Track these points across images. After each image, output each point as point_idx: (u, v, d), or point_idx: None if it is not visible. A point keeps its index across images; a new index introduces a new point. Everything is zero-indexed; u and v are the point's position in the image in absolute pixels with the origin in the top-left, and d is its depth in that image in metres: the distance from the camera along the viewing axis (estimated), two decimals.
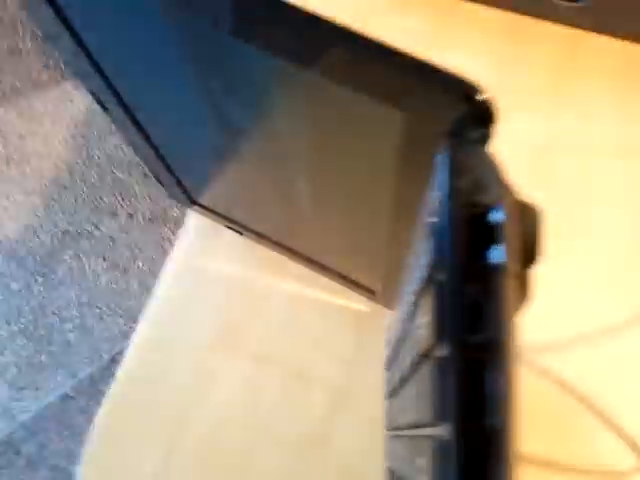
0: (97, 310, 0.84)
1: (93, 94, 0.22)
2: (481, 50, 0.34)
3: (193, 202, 0.31)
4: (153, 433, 0.31)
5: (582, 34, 0.34)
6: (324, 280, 0.30)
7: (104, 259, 0.85)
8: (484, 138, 0.12)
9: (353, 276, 0.29)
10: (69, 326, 0.84)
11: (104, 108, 0.23)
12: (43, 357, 0.84)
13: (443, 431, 0.11)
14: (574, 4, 0.32)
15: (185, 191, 0.29)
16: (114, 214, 0.87)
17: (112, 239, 0.86)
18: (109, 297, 0.84)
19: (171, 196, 0.31)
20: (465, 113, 0.12)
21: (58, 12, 0.18)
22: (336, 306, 0.31)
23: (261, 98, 0.17)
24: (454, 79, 0.12)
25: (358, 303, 0.30)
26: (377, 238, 0.22)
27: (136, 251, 0.86)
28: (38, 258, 0.87)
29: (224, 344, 0.31)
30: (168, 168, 0.27)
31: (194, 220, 0.33)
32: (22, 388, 0.83)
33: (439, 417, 0.11)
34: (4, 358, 0.84)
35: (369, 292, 0.29)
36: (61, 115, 0.95)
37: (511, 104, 0.33)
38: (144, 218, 0.86)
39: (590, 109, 0.33)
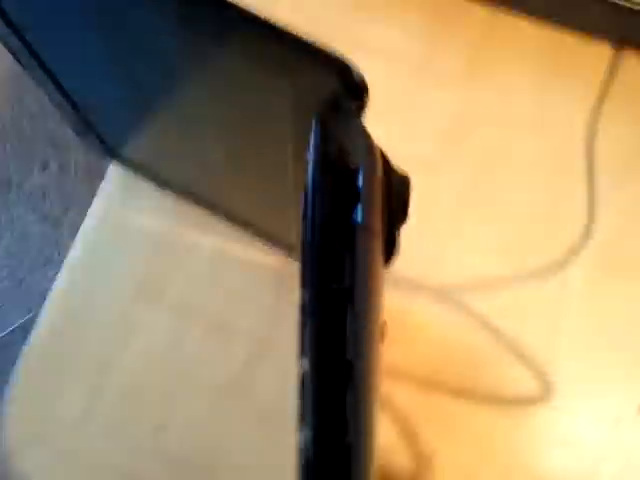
0: (27, 261, 0.82)
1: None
2: (404, 24, 0.35)
3: (113, 154, 0.31)
4: (75, 378, 0.32)
5: (502, 14, 0.35)
6: (246, 236, 0.32)
7: (34, 210, 0.83)
8: (357, 110, 0.14)
9: (273, 233, 0.31)
10: None
11: (14, 56, 0.23)
12: None
13: (305, 366, 0.12)
14: None
15: (104, 143, 0.30)
16: (45, 165, 0.84)
17: (43, 190, 0.84)
18: (40, 249, 0.83)
19: (89, 147, 0.31)
20: (338, 87, 0.13)
21: None
22: (257, 261, 0.32)
23: (165, 59, 0.18)
24: (330, 56, 0.13)
25: (279, 259, 0.32)
26: (287, 197, 0.23)
27: (68, 203, 0.84)
28: None
29: (145, 296, 0.32)
30: (84, 119, 0.27)
31: (116, 173, 0.33)
32: None
33: (302, 354, 0.13)
34: None
35: (288, 248, 0.31)
36: None
37: (433, 78, 0.35)
38: (76, 170, 0.84)
39: (508, 86, 0.35)
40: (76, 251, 0.33)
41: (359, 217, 0.13)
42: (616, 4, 0.32)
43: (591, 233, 0.32)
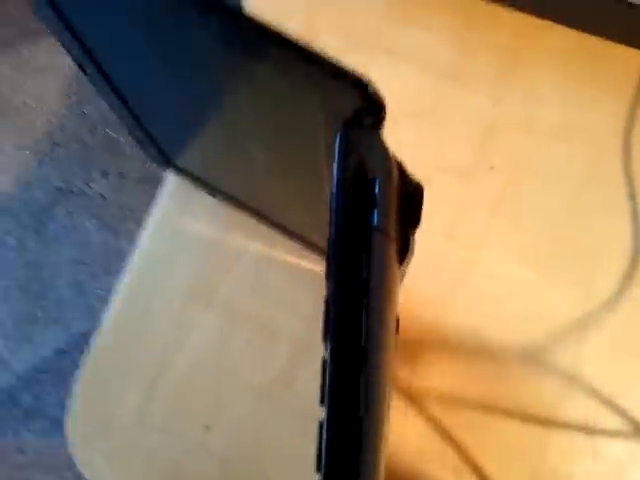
0: (89, 268, 0.89)
1: (68, 51, 0.25)
2: (436, 28, 0.37)
3: (169, 163, 0.35)
4: (133, 378, 0.35)
5: (532, 20, 0.37)
6: (289, 242, 0.34)
7: (95, 217, 0.90)
8: (376, 124, 0.16)
9: (313, 240, 0.33)
10: (62, 282, 0.89)
11: (82, 69, 0.26)
12: (38, 312, 0.89)
13: (326, 354, 0.15)
14: None
15: (161, 152, 0.33)
16: (105, 173, 0.91)
17: (103, 198, 0.90)
18: (100, 255, 0.89)
19: (148, 156, 0.34)
20: (359, 104, 0.15)
21: None
22: (299, 267, 0.35)
23: (214, 76, 0.21)
24: (352, 77, 0.15)
25: (319, 265, 0.34)
26: (323, 206, 0.26)
27: (126, 211, 0.90)
28: (31, 213, 0.91)
29: (197, 299, 0.35)
30: (143, 129, 0.30)
31: (172, 181, 0.37)
32: (18, 341, 0.89)
33: (324, 340, 0.15)
34: (0, 311, 0.89)
35: None
36: (53, 68, 0.97)
37: (464, 84, 0.37)
38: (134, 178, 0.90)
39: (539, 92, 0.36)
40: (135, 257, 0.37)
41: (375, 221, 0.15)
42: None
43: (637, 245, 0.33)
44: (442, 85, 0.37)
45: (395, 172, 0.16)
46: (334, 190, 0.15)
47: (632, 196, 0.34)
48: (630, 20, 0.35)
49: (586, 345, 0.32)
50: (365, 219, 0.15)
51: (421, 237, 0.34)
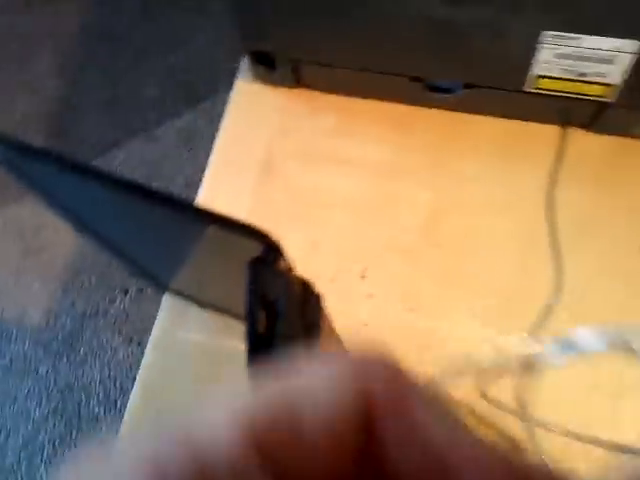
0: (118, 382, 0.95)
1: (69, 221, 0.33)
2: (376, 140, 0.45)
3: (163, 287, 0.42)
4: None
5: (459, 115, 0.44)
6: None
7: (119, 333, 0.98)
8: (275, 259, 0.22)
9: None
10: (94, 401, 0.96)
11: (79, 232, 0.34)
12: (74, 433, 0.95)
13: None
14: (449, 95, 0.43)
15: (153, 280, 0.40)
16: (125, 291, 0.99)
17: (125, 314, 0.98)
18: (128, 369, 0.96)
19: (150, 284, 0.41)
20: (263, 248, 0.22)
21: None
22: None
23: (172, 238, 0.28)
24: (258, 232, 0.22)
25: None
26: None
27: (148, 323, 0.97)
28: (61, 340, 0.99)
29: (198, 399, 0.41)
30: (137, 268, 0.38)
31: (167, 300, 0.44)
32: (57, 465, 0.94)
33: None
34: (39, 438, 0.95)
35: None
36: None
37: (404, 179, 0.44)
38: (152, 291, 0.98)
39: (467, 176, 0.43)
40: (140, 371, 0.43)
41: (279, 330, 0.21)
42: (554, 95, 0.40)
43: (561, 293, 0.38)
44: (387, 182, 0.44)
45: (295, 290, 0.22)
46: (245, 309, 0.21)
47: (555, 256, 0.39)
48: (543, 104, 0.42)
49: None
50: (271, 329, 0.21)
51: (386, 310, 0.40)
